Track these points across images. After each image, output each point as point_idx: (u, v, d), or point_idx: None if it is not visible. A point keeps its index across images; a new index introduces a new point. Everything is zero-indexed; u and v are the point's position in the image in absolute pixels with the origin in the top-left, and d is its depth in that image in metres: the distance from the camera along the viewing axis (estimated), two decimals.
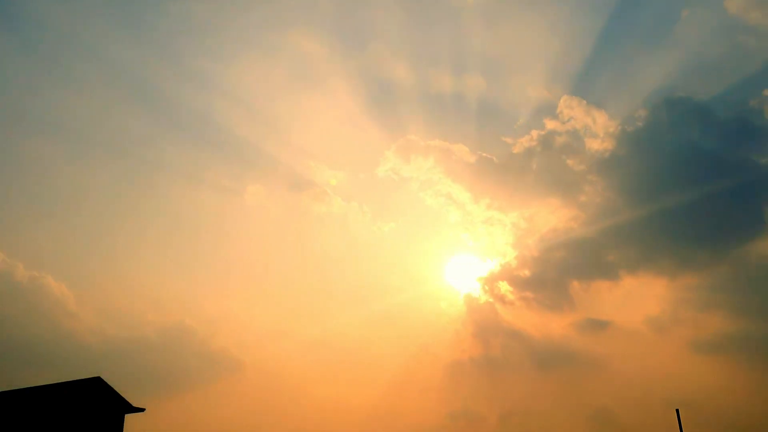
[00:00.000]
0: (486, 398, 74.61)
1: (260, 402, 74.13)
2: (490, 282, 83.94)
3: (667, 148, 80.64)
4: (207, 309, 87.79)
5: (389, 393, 75.63)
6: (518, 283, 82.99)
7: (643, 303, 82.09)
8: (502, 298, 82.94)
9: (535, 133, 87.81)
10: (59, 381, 36.45)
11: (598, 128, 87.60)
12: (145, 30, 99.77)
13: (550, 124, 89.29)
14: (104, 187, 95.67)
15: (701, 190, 77.93)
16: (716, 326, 76.92)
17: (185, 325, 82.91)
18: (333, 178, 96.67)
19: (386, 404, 74.06)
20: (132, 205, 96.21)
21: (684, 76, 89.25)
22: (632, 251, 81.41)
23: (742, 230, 76.40)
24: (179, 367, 75.92)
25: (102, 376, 37.04)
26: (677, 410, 33.42)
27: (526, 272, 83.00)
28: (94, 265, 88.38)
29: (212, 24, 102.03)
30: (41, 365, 66.83)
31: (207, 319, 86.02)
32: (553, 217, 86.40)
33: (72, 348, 74.85)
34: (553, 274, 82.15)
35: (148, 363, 73.25)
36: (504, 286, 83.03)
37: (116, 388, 37.41)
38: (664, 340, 77.34)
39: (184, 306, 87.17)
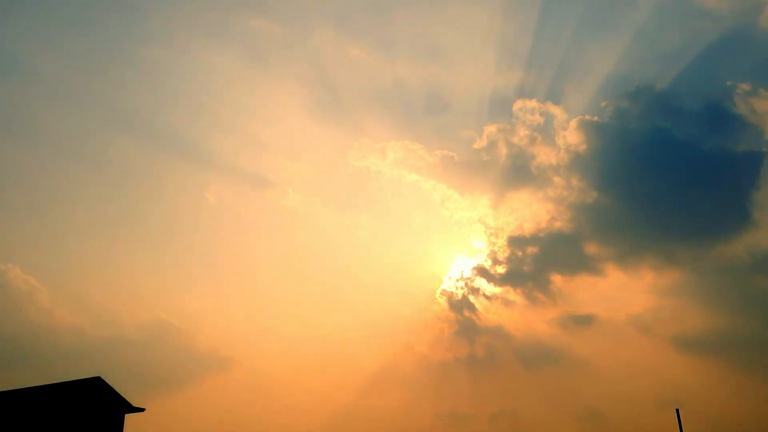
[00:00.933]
0: (469, 396, 75.10)
1: (242, 400, 73.99)
2: (467, 279, 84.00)
3: (635, 138, 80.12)
4: (185, 307, 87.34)
5: (369, 391, 75.83)
6: (494, 278, 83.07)
7: (623, 299, 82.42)
8: (477, 293, 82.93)
9: (494, 127, 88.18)
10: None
11: (558, 121, 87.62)
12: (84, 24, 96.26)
13: (507, 118, 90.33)
14: (71, 186, 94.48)
15: (677, 181, 77.65)
16: (698, 323, 77.38)
17: (164, 322, 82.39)
18: (295, 174, 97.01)
19: (365, 402, 74.43)
20: (98, 204, 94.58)
21: (642, 63, 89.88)
22: (611, 246, 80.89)
23: (725, 224, 75.86)
24: (158, 365, 75.28)
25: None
26: (677, 410, 33.89)
27: (500, 268, 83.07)
28: (68, 262, 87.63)
29: (155, 8, 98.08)
30: (12, 363, 66.08)
31: (186, 316, 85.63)
32: (524, 212, 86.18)
33: (46, 345, 74.06)
34: (529, 269, 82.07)
35: (129, 361, 72.66)
36: (480, 282, 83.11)
37: None
38: (644, 336, 77.56)
39: (160, 303, 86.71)
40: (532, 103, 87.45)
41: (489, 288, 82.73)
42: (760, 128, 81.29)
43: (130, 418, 37.50)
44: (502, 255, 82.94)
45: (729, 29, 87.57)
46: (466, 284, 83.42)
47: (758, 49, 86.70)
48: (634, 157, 79.71)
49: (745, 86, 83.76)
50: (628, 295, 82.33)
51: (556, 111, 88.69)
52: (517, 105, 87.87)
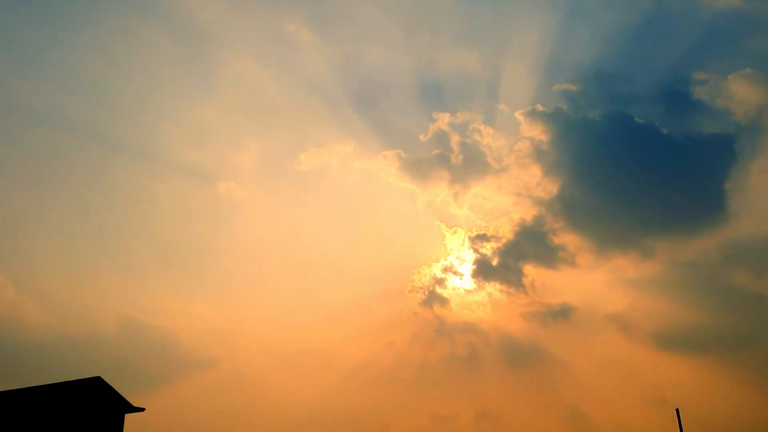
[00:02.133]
0: (449, 394, 74.52)
1: (217, 398, 72.40)
2: (436, 274, 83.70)
3: (593, 126, 78.77)
4: (154, 304, 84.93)
5: (345, 390, 75.09)
6: (462, 274, 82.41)
7: (597, 292, 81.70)
8: (447, 289, 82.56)
9: (443, 117, 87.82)
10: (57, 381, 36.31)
11: (507, 110, 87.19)
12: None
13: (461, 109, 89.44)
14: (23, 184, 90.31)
15: (650, 171, 75.67)
16: (671, 318, 76.26)
17: (133, 319, 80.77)
18: (243, 167, 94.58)
19: (342, 400, 73.60)
20: (51, 201, 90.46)
21: (606, 49, 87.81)
22: (582, 238, 79.55)
23: (699, 217, 74.27)
24: (130, 363, 73.23)
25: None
26: (677, 410, 33.51)
27: (467, 265, 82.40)
28: (32, 257, 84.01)
29: None
30: None
31: (155, 313, 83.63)
32: (486, 205, 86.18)
33: (11, 341, 71.58)
34: (498, 264, 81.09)
35: (101, 359, 71.47)
36: (449, 278, 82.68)
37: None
38: (619, 331, 77.03)
39: (127, 300, 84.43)
40: (475, 93, 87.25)
41: (458, 283, 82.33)
42: (726, 111, 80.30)
43: (130, 418, 37.76)
44: (468, 252, 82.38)
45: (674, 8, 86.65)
46: (436, 280, 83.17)
47: (705, 28, 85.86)
48: (593, 146, 78.32)
49: (701, 74, 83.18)
50: (601, 289, 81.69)
51: (504, 98, 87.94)
52: (461, 94, 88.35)
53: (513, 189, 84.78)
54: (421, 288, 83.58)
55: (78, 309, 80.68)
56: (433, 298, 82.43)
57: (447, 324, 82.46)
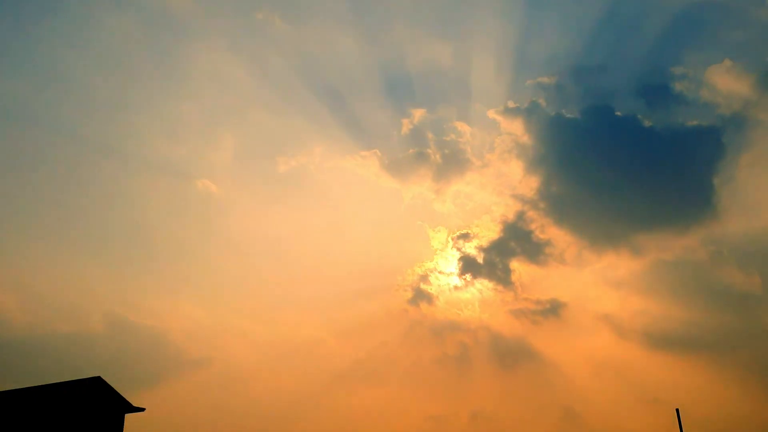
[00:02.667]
0: (443, 393, 74.41)
1: (204, 397, 71.56)
2: (422, 273, 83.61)
3: (581, 119, 77.88)
4: (142, 303, 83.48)
5: (333, 388, 74.55)
6: (451, 272, 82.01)
7: (583, 288, 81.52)
8: (434, 286, 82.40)
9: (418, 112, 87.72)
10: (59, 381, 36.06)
11: (483, 105, 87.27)
12: None
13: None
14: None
15: (631, 164, 74.41)
16: (659, 316, 75.92)
17: (120, 318, 79.53)
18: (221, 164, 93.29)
19: (331, 398, 72.90)
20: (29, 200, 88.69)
21: (580, 41, 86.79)
22: (568, 234, 78.50)
23: (685, 211, 73.20)
24: (117, 362, 72.10)
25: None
26: (677, 410, 33.74)
27: (458, 262, 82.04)
28: (10, 255, 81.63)
29: None
30: None
31: (144, 312, 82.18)
32: (470, 203, 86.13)
33: None
34: (488, 260, 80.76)
35: (88, 357, 70.94)
36: (436, 277, 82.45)
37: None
38: (605, 326, 77.25)
39: (112, 299, 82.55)
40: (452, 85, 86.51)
41: (444, 281, 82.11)
42: (707, 103, 79.98)
43: (130, 418, 37.57)
44: (452, 251, 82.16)
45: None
46: (422, 278, 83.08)
47: (681, 18, 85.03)
48: (574, 140, 77.33)
49: (679, 66, 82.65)
50: (588, 285, 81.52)
51: (479, 93, 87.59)
52: (436, 89, 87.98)
53: (495, 186, 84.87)
54: (408, 286, 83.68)
55: (62, 307, 79.47)
56: (420, 297, 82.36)
57: (433, 322, 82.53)
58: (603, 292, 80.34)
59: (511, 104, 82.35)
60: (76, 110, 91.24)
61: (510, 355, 77.43)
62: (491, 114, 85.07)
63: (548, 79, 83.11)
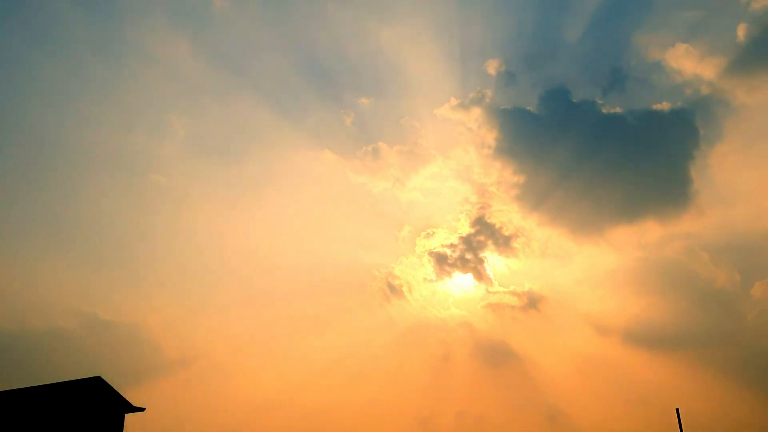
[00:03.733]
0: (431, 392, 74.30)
1: (186, 396, 71.16)
2: (393, 269, 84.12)
3: (539, 107, 76.45)
4: (109, 299, 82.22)
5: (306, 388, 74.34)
6: (422, 268, 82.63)
7: (551, 279, 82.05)
8: (403, 283, 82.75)
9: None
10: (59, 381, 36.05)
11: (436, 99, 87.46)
12: None
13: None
14: None
15: (586, 144, 73.44)
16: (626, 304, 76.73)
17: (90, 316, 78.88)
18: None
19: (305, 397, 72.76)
20: None
21: (530, 26, 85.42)
22: (536, 224, 78.64)
23: (657, 203, 72.49)
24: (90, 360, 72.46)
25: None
26: (677, 409, 33.72)
27: (428, 257, 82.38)
28: None
29: None
30: None
31: (115, 309, 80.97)
32: (432, 196, 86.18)
33: None
34: (459, 255, 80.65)
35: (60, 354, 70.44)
36: (407, 272, 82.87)
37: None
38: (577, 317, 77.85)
39: (82, 299, 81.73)
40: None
41: (415, 277, 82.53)
42: (670, 86, 78.76)
43: (130, 418, 37.58)
44: (421, 245, 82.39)
45: None
46: (392, 275, 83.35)
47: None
48: (533, 129, 76.34)
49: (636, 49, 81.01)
50: (556, 276, 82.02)
51: (429, 82, 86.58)
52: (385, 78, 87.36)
53: (456, 177, 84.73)
54: (381, 282, 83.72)
55: (29, 305, 77.79)
56: (392, 292, 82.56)
57: (407, 317, 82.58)
58: (572, 284, 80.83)
59: (460, 94, 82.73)
60: (20, 101, 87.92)
61: (486, 348, 78.06)
62: (443, 103, 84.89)
63: (497, 65, 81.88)
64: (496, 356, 76.40)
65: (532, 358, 75.19)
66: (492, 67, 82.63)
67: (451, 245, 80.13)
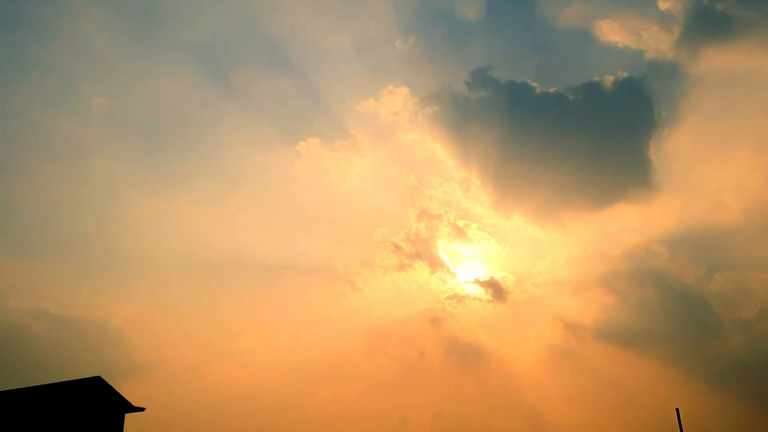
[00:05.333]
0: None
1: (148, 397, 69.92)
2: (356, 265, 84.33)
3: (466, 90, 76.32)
4: (60, 294, 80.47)
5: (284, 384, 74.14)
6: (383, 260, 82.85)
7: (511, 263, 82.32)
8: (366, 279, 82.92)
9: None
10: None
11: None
12: None
13: None
14: None
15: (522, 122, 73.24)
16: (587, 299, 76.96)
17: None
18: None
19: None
20: None
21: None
22: (493, 211, 79.22)
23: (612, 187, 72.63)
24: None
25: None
26: (677, 409, 33.82)
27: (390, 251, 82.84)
28: None
29: None
30: None
31: (72, 305, 79.65)
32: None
33: None
34: (417, 247, 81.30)
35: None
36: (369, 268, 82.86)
37: None
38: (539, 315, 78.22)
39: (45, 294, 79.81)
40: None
41: (377, 271, 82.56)
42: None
43: (130, 418, 37.51)
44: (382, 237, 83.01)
45: None
46: (356, 272, 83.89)
47: None
48: (464, 112, 76.11)
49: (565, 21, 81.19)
50: (515, 260, 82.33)
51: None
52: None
53: (397, 165, 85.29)
54: (345, 279, 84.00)
55: None
56: (355, 289, 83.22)
57: (365, 313, 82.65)
58: (534, 270, 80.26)
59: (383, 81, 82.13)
60: None
61: (454, 342, 78.37)
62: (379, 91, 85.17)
63: (413, 43, 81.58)
64: (466, 351, 77.02)
65: (498, 350, 76.20)
66: (409, 46, 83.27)
67: (407, 237, 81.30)
